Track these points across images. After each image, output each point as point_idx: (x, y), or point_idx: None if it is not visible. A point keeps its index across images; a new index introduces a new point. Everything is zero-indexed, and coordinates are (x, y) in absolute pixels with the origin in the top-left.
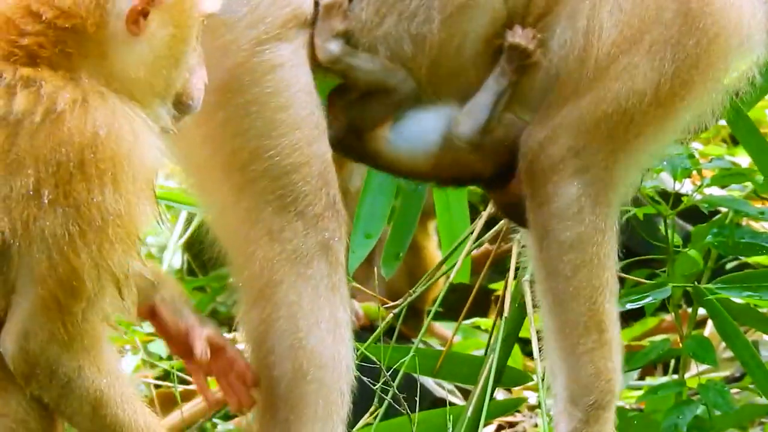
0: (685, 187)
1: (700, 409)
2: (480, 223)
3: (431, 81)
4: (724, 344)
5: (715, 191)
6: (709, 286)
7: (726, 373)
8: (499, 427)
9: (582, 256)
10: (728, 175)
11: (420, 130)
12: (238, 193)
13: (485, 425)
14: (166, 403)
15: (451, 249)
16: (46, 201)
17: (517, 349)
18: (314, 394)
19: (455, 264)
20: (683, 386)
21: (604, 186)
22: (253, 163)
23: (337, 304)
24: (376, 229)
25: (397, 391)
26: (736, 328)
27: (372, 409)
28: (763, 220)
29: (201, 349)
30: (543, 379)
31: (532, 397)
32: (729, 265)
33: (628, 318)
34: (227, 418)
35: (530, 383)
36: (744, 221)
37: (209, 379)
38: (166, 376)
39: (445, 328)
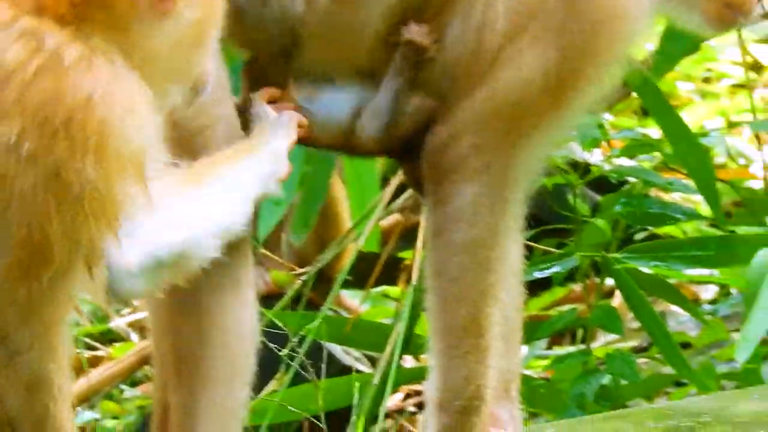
0: (595, 157)
1: (606, 379)
2: (389, 191)
3: (324, 54)
4: (632, 314)
5: (625, 162)
6: (617, 255)
7: (633, 343)
8: (407, 396)
9: (471, 259)
10: (637, 146)
11: (329, 109)
12: None
13: (392, 393)
14: (73, 370)
15: (360, 217)
16: (25, 154)
17: (424, 317)
18: (218, 357)
19: (363, 231)
20: (590, 355)
21: (504, 184)
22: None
23: (239, 266)
24: (286, 195)
25: (304, 358)
26: (644, 298)
27: (278, 375)
28: (671, 191)
29: None
30: None
31: None
32: (638, 236)
33: (537, 288)
34: (134, 384)
35: None
36: (653, 192)
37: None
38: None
39: (354, 296)
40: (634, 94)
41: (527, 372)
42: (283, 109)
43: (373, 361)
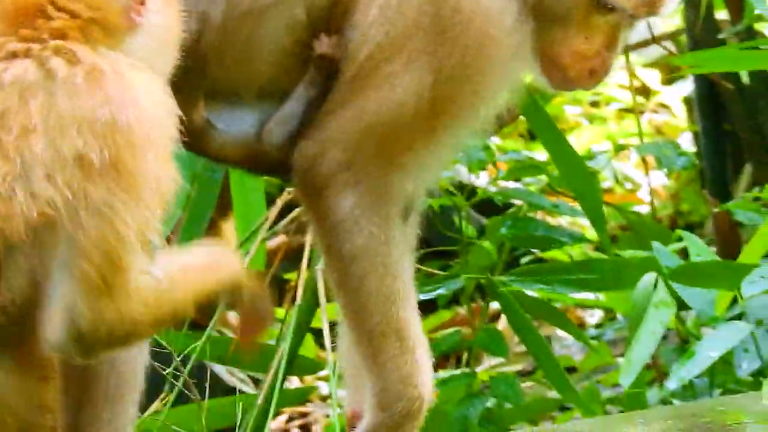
0: (482, 179)
1: (490, 402)
2: (275, 210)
3: (229, 71)
4: (517, 338)
5: (511, 185)
6: (502, 278)
7: (518, 366)
8: (290, 418)
9: (366, 267)
10: (523, 168)
11: (237, 125)
12: None
13: (276, 415)
14: None
15: (246, 236)
16: (92, 165)
17: (309, 338)
18: (105, 374)
19: (249, 251)
20: (473, 378)
21: (380, 197)
22: None
23: None
24: (170, 217)
25: (188, 378)
26: (528, 321)
27: (163, 395)
28: (558, 214)
29: None
30: (334, 370)
31: (323, 387)
32: (524, 260)
33: (423, 310)
34: None
35: (322, 373)
36: (539, 215)
37: None
38: None
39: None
40: (522, 117)
41: None
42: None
43: (257, 383)
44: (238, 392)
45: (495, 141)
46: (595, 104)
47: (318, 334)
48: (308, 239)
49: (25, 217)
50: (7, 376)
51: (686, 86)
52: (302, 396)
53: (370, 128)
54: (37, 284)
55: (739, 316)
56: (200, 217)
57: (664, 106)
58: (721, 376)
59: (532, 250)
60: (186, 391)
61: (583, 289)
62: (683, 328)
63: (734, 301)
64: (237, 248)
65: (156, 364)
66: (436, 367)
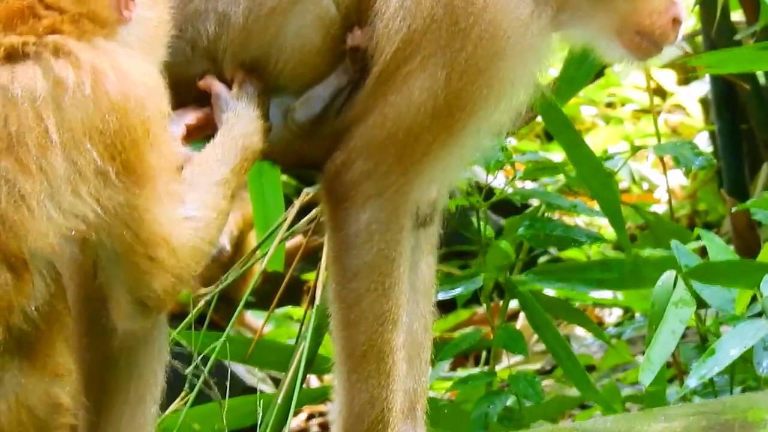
0: (499, 181)
1: (510, 400)
2: (293, 211)
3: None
4: (536, 337)
5: (529, 185)
6: (521, 277)
7: (537, 365)
8: (310, 416)
9: (366, 285)
10: (540, 169)
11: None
12: None
13: (296, 414)
14: None
15: (264, 237)
16: (108, 173)
17: (328, 338)
18: (125, 374)
19: (267, 252)
20: (493, 377)
21: (396, 210)
22: None
23: None
24: None
25: (207, 377)
26: (548, 319)
27: (183, 394)
28: (576, 214)
29: None
30: None
31: None
32: (542, 259)
33: (441, 310)
34: None
35: None
36: (557, 215)
37: None
38: None
39: (258, 317)
40: (538, 118)
41: (431, 393)
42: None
43: (276, 382)
44: (258, 391)
45: (511, 142)
46: (610, 105)
47: None
48: (326, 239)
49: (59, 233)
50: (23, 376)
51: (702, 87)
52: (322, 395)
53: (392, 135)
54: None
55: (759, 314)
56: None
57: (679, 106)
58: (741, 374)
59: (550, 250)
60: (206, 391)
61: (603, 288)
62: (703, 327)
63: (753, 299)
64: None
65: (176, 363)
66: (455, 366)
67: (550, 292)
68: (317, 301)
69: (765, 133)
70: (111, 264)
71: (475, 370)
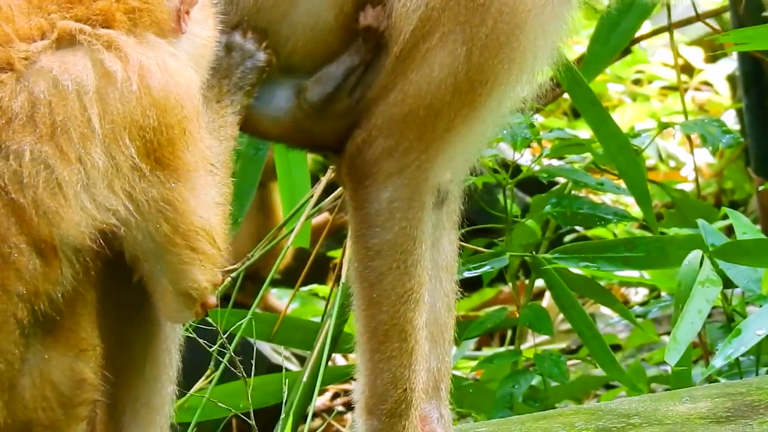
0: (526, 158)
1: (535, 380)
2: (319, 188)
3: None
4: (562, 316)
5: (557, 163)
6: (547, 255)
7: (563, 344)
8: (335, 395)
9: (388, 264)
10: (567, 146)
11: (272, 100)
12: None
13: (321, 392)
14: None
15: (291, 213)
16: (144, 169)
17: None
18: (139, 354)
19: (293, 229)
20: (519, 356)
21: (418, 187)
22: None
23: None
24: None
25: (233, 355)
26: (573, 298)
27: (208, 372)
28: (602, 192)
29: None
30: None
31: None
32: (568, 238)
33: (467, 288)
34: None
35: None
36: (584, 193)
37: None
38: None
39: (282, 296)
40: (565, 96)
41: (456, 372)
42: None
43: (302, 361)
44: (284, 370)
45: (538, 119)
46: (637, 82)
47: None
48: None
49: (90, 224)
50: (47, 351)
51: (729, 64)
52: (347, 373)
53: (413, 111)
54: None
55: None
56: (244, 194)
57: (707, 84)
58: None
59: (576, 228)
60: (231, 369)
61: (628, 267)
62: (729, 307)
63: None
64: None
65: (202, 341)
66: (480, 345)
67: (576, 270)
68: (343, 279)
69: None
70: (152, 259)
71: (501, 350)
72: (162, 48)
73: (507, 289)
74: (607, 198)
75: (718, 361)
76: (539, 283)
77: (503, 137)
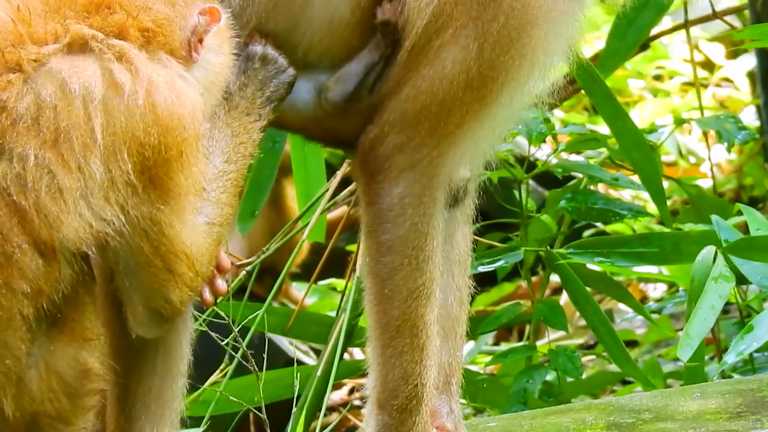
0: (544, 152)
1: (551, 375)
2: (335, 182)
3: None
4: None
5: (574, 158)
6: (561, 250)
7: (580, 340)
8: (352, 389)
9: (399, 259)
10: (583, 141)
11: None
12: None
13: (338, 386)
14: None
15: (306, 207)
16: (137, 186)
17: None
18: (151, 347)
19: (309, 222)
20: (534, 351)
21: (429, 183)
22: None
23: None
24: None
25: (246, 349)
26: (587, 294)
27: (222, 366)
28: (617, 187)
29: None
30: None
31: None
32: (586, 233)
33: (486, 283)
34: None
35: None
36: (603, 188)
37: None
38: None
39: (302, 289)
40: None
41: (472, 367)
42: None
43: (320, 355)
44: (295, 363)
45: (558, 114)
46: (658, 78)
47: None
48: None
49: (87, 231)
50: (51, 343)
51: (750, 60)
52: (362, 368)
53: (426, 107)
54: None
55: None
56: (261, 186)
57: (727, 80)
58: None
59: (595, 223)
60: (246, 363)
61: (643, 263)
62: (743, 303)
63: None
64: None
65: (214, 334)
66: (499, 339)
67: (593, 266)
68: (358, 272)
69: None
70: (129, 272)
71: (517, 344)
72: (173, 67)
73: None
74: (627, 194)
75: (730, 357)
76: (558, 279)
77: (519, 131)
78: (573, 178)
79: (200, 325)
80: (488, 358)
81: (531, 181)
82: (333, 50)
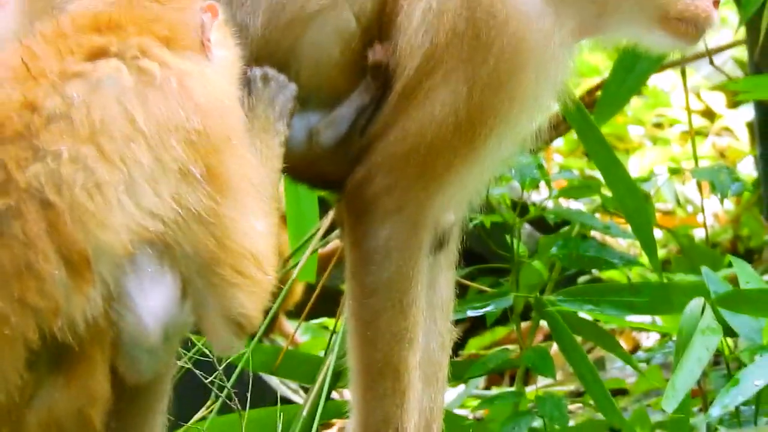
0: (541, 196)
1: (537, 422)
2: (327, 221)
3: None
4: None
5: (572, 204)
6: (551, 297)
7: (572, 387)
8: (341, 429)
9: (383, 302)
10: (577, 188)
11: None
12: None
13: (326, 426)
14: None
15: (298, 246)
16: (192, 175)
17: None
18: (132, 384)
19: (299, 262)
20: (521, 397)
21: (416, 226)
22: None
23: None
24: None
25: (231, 388)
26: (575, 342)
27: (208, 403)
28: (609, 235)
29: None
30: None
31: None
32: (580, 279)
33: (479, 327)
34: None
35: None
36: (599, 235)
37: None
38: None
39: (291, 327)
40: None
41: (461, 411)
42: None
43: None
44: (279, 402)
45: (558, 159)
46: (658, 125)
47: None
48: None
49: (133, 231)
50: (59, 395)
51: (750, 111)
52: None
53: (414, 149)
54: (110, 300)
55: None
56: None
57: (728, 129)
58: None
59: (587, 270)
60: (230, 401)
61: (632, 312)
62: (731, 355)
63: None
64: (288, 257)
65: (198, 372)
66: (490, 384)
67: (584, 314)
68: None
69: None
70: (197, 278)
71: (505, 390)
72: (199, 60)
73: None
74: (623, 241)
75: (715, 410)
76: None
77: (512, 176)
78: (567, 223)
79: (185, 362)
80: (476, 403)
81: (526, 225)
82: (323, 90)
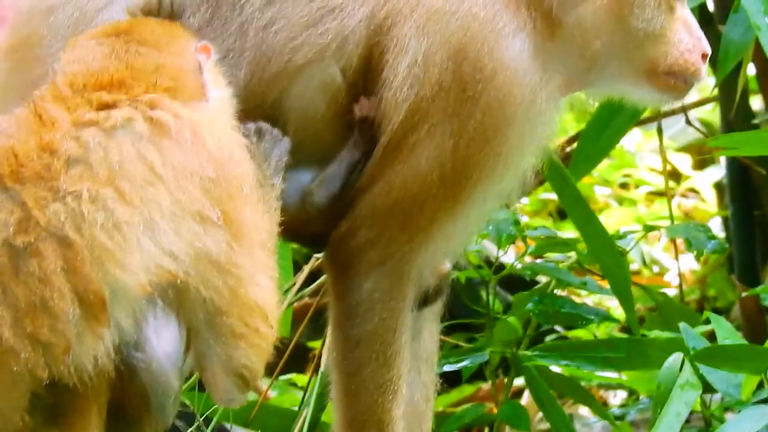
0: (509, 256)
1: None
2: (302, 277)
3: None
4: (541, 414)
5: (541, 262)
6: (527, 353)
7: None
8: None
9: (367, 354)
10: (552, 244)
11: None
12: None
13: None
14: None
15: None
16: (209, 220)
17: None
18: None
19: None
20: None
21: (399, 279)
22: None
23: None
24: None
25: None
26: (552, 396)
27: None
28: (586, 292)
29: None
30: None
31: None
32: (548, 338)
33: (447, 383)
34: None
35: None
36: (569, 292)
37: None
38: None
39: (263, 383)
40: (550, 195)
41: None
42: None
43: None
44: None
45: (523, 219)
46: (624, 186)
47: None
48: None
49: (153, 273)
50: None
51: (717, 172)
52: None
53: (398, 203)
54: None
55: (765, 401)
56: None
57: (693, 191)
58: None
59: (557, 328)
60: None
61: (609, 368)
62: (707, 411)
63: (761, 385)
64: None
65: (178, 423)
66: None
67: (556, 369)
68: (322, 368)
69: None
70: (206, 328)
71: None
72: (209, 111)
73: (486, 386)
74: (589, 299)
75: None
76: (519, 381)
77: (488, 233)
78: (537, 282)
79: None
80: None
81: (497, 285)
82: (310, 144)
